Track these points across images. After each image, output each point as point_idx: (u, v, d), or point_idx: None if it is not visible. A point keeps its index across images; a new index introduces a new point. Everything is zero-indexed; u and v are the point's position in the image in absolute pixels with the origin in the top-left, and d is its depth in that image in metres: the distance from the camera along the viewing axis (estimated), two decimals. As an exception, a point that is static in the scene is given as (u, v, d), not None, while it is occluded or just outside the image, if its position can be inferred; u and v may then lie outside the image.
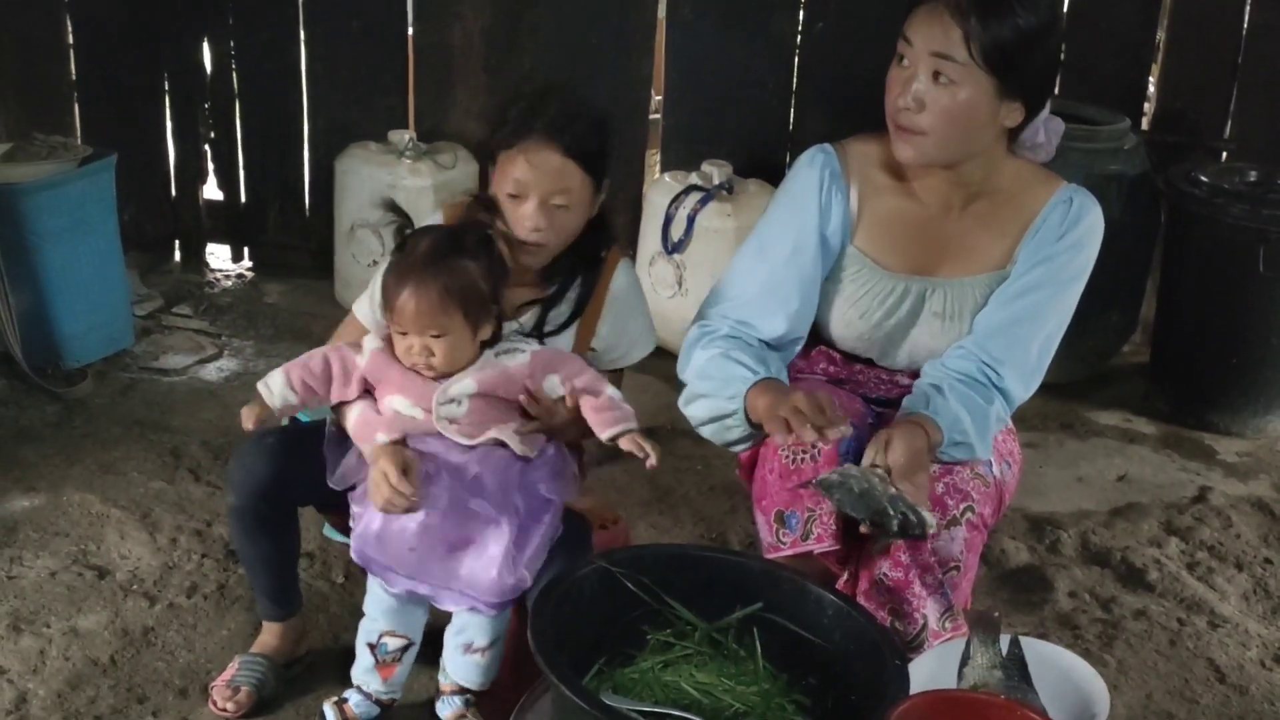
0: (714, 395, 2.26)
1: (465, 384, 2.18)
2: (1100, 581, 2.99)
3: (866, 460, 2.13)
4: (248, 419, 2.18)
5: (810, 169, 2.34)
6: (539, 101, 2.26)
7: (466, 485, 2.17)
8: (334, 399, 2.23)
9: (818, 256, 2.33)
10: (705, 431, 2.33)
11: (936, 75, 2.17)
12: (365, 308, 2.35)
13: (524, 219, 2.23)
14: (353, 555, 2.24)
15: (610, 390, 2.24)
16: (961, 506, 2.21)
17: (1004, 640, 2.08)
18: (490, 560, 2.17)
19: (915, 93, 2.18)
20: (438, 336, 2.13)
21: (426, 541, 2.17)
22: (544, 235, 2.24)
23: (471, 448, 2.20)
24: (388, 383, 2.20)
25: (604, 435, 2.20)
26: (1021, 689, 2.00)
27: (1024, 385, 2.31)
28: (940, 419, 2.19)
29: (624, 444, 2.18)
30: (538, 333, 2.32)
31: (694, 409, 2.32)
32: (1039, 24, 2.18)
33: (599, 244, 2.37)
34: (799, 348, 2.40)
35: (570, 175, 2.22)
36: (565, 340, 2.33)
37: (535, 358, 2.22)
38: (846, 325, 2.38)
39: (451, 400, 2.17)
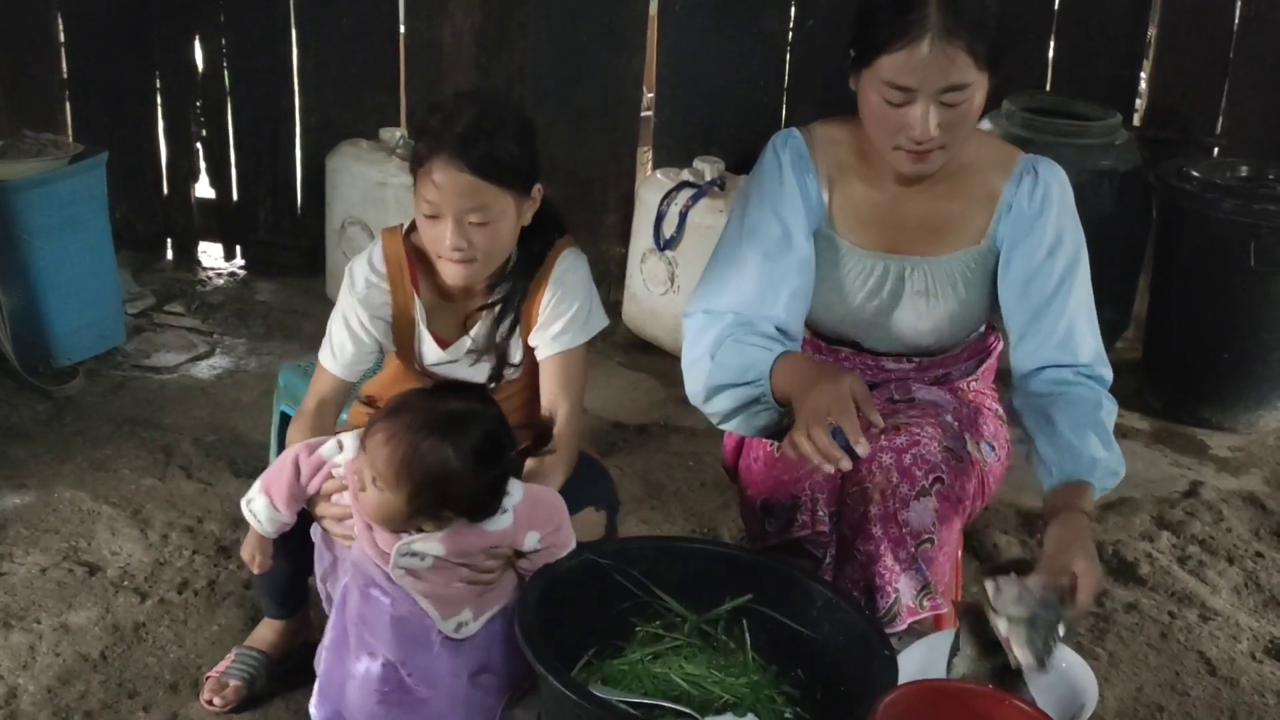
0: (736, 383, 2.18)
1: (431, 545, 2.02)
2: (1092, 575, 2.99)
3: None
4: (252, 562, 2.18)
5: (782, 152, 2.33)
6: (448, 117, 2.13)
7: (415, 652, 2.06)
8: (312, 491, 2.13)
9: (808, 233, 2.31)
10: (731, 425, 2.25)
11: (946, 101, 2.11)
12: (328, 356, 2.32)
13: (442, 239, 2.15)
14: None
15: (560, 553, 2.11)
16: (930, 478, 2.18)
17: (993, 631, 2.07)
18: None
19: (933, 124, 2.11)
20: (375, 482, 1.97)
21: (365, 689, 2.08)
22: (467, 253, 2.16)
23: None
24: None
25: None
26: (1010, 679, 2.01)
27: (1104, 362, 2.29)
28: (1079, 471, 2.12)
29: None
30: (491, 347, 2.27)
31: (716, 404, 2.24)
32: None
33: (544, 241, 2.30)
34: (802, 331, 2.39)
35: (482, 193, 2.12)
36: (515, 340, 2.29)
37: (518, 514, 2.05)
38: (827, 308, 2.36)
39: (413, 554, 2.02)
